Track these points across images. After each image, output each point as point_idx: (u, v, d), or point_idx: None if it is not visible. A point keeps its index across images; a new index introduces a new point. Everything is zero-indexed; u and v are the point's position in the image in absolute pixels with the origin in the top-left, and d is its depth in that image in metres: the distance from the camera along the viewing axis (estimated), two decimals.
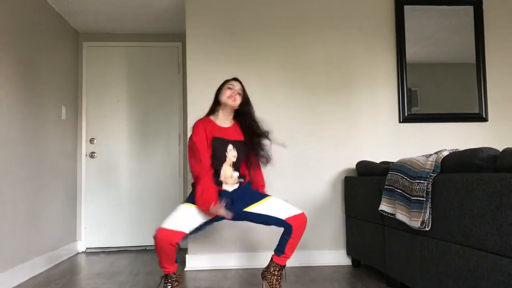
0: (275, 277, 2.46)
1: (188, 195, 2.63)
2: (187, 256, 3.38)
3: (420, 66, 3.59)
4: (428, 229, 2.10)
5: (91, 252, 4.31)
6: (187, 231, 2.35)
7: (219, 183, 2.48)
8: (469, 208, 1.80)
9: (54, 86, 3.77)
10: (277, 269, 2.48)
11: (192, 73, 3.47)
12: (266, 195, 2.57)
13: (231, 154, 2.52)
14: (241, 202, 2.49)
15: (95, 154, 4.44)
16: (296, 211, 2.48)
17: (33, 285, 2.93)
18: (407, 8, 3.59)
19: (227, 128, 2.58)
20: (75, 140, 4.35)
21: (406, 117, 3.55)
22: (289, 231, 2.43)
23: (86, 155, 4.44)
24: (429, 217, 2.09)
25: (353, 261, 3.36)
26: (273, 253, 2.52)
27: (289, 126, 3.50)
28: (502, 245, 1.61)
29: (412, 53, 3.58)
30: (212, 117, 2.59)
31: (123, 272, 3.31)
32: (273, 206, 2.49)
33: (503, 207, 1.60)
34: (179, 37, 4.56)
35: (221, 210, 2.34)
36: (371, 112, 3.56)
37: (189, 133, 3.44)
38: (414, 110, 3.57)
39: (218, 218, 2.47)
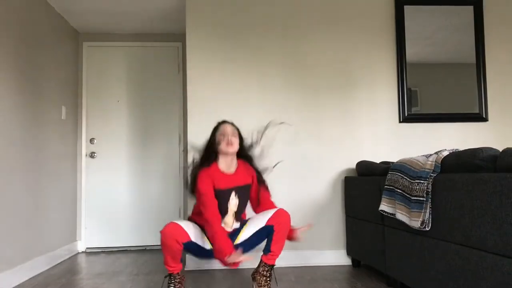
0: (264, 278, 2.42)
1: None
2: (187, 256, 3.38)
3: (420, 66, 3.59)
4: (428, 229, 2.10)
5: (91, 252, 4.31)
6: (192, 238, 2.37)
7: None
8: (469, 208, 1.81)
9: (54, 86, 3.77)
10: (266, 269, 2.44)
11: (192, 73, 3.47)
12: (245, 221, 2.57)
13: (233, 203, 2.51)
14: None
15: (95, 154, 4.44)
16: (273, 210, 2.48)
17: (33, 285, 2.93)
18: (407, 8, 3.59)
19: (230, 175, 2.53)
20: (75, 140, 4.36)
21: (406, 117, 3.55)
22: (272, 229, 2.42)
23: (86, 155, 4.44)
24: (429, 217, 2.09)
25: (353, 261, 3.36)
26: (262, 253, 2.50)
27: (289, 126, 3.50)
28: (502, 245, 1.61)
29: (412, 53, 3.58)
30: (216, 164, 2.52)
31: (123, 272, 3.31)
32: (253, 222, 2.51)
33: (503, 207, 1.60)
34: (179, 37, 4.56)
35: (239, 258, 2.27)
36: (371, 112, 3.56)
37: (189, 134, 3.45)
38: (414, 110, 3.57)
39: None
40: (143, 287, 2.82)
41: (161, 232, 2.31)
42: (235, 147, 2.51)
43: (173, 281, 2.41)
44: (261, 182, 2.64)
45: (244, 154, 2.61)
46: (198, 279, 3.03)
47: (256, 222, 2.49)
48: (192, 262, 3.36)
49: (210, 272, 3.25)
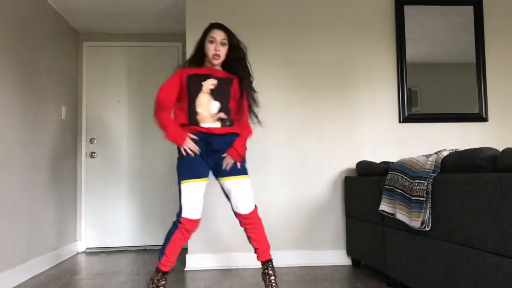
0: (268, 277, 2.41)
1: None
2: (187, 256, 3.38)
3: (420, 66, 3.59)
4: (428, 229, 2.10)
5: (91, 252, 4.31)
6: (201, 214, 2.39)
7: (194, 121, 2.37)
8: (469, 208, 1.81)
9: (54, 86, 3.77)
10: (265, 266, 2.43)
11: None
12: (243, 172, 2.44)
13: (210, 82, 2.39)
14: (217, 154, 2.40)
15: (95, 154, 4.44)
16: (246, 210, 2.41)
17: (33, 285, 2.93)
18: (407, 8, 3.59)
19: (212, 68, 2.46)
20: (75, 140, 4.36)
21: (406, 117, 3.55)
22: (243, 227, 2.45)
23: (86, 155, 4.44)
24: (429, 217, 2.09)
25: (353, 261, 3.36)
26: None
27: (289, 126, 3.50)
28: (502, 245, 1.61)
29: (412, 53, 3.58)
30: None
31: (123, 272, 3.31)
32: (237, 192, 2.40)
33: (503, 207, 1.60)
34: (179, 37, 4.56)
35: (190, 144, 2.31)
36: (371, 112, 3.56)
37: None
38: (414, 110, 3.57)
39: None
40: (143, 287, 2.82)
41: (178, 228, 2.33)
42: (223, 56, 2.44)
43: (164, 277, 2.39)
44: (246, 87, 2.47)
45: (232, 59, 2.48)
46: (198, 279, 3.03)
47: (237, 196, 2.39)
48: (192, 262, 3.36)
49: (210, 272, 3.25)
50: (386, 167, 2.79)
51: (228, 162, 2.40)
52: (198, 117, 2.38)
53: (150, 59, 4.59)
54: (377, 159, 3.47)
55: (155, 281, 2.39)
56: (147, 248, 4.43)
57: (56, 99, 3.83)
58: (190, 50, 3.47)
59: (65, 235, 3.98)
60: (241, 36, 3.55)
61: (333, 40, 3.57)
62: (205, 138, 2.39)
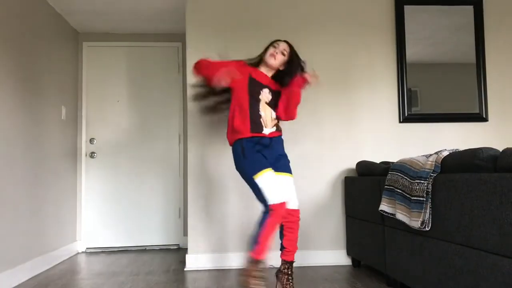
0: (286, 276, 2.49)
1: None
2: (187, 256, 3.38)
3: (420, 66, 3.59)
4: (428, 229, 2.10)
5: (91, 252, 4.31)
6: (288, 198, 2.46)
7: (257, 123, 2.49)
8: (469, 208, 1.80)
9: (54, 86, 3.77)
10: (286, 266, 2.52)
11: (192, 73, 3.47)
12: (291, 172, 2.62)
13: (265, 95, 2.56)
14: (273, 154, 2.54)
15: (95, 154, 4.44)
16: (295, 205, 2.56)
17: (33, 285, 2.93)
18: (407, 8, 3.59)
19: (265, 75, 2.61)
20: (75, 140, 4.36)
21: (406, 117, 3.55)
22: (283, 223, 2.53)
23: (86, 155, 4.44)
24: (429, 217, 2.09)
25: (353, 261, 3.36)
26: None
27: (289, 126, 3.50)
28: (502, 245, 1.61)
29: (412, 53, 3.58)
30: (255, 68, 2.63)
31: (123, 272, 3.31)
32: (291, 188, 2.57)
33: (503, 207, 1.60)
34: (179, 37, 4.56)
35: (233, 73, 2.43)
36: (371, 112, 3.56)
37: (189, 134, 3.45)
38: (414, 110, 3.57)
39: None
40: (143, 287, 2.82)
41: (271, 215, 2.33)
42: (277, 62, 2.56)
43: (261, 269, 2.31)
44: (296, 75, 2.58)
45: (285, 72, 2.59)
46: (198, 279, 3.03)
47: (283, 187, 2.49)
48: (192, 262, 3.36)
49: (210, 272, 3.25)
50: (386, 167, 2.79)
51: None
52: (262, 120, 2.51)
53: (150, 59, 4.59)
54: (377, 159, 3.47)
55: (250, 272, 2.28)
56: (147, 248, 4.43)
57: (56, 99, 3.83)
58: (190, 50, 3.48)
59: (65, 235, 3.98)
60: (241, 36, 3.57)
61: (333, 40, 3.57)
62: (265, 141, 2.51)
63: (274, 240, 2.55)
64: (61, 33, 4.02)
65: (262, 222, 2.36)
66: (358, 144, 3.53)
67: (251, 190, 2.46)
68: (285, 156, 2.64)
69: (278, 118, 2.63)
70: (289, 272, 2.51)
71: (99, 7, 3.90)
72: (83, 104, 4.46)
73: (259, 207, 3.38)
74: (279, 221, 2.41)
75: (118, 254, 4.20)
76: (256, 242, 2.33)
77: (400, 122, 3.57)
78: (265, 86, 2.56)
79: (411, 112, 3.56)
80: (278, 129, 2.63)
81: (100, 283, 2.96)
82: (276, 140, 2.58)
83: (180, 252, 4.21)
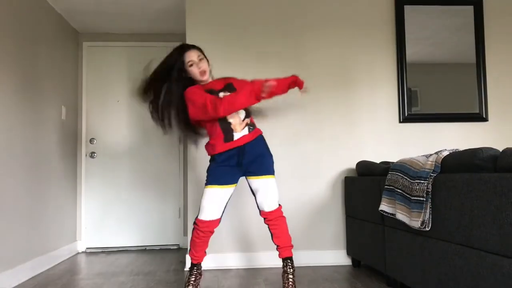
0: (286, 275, 2.48)
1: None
2: (187, 256, 3.38)
3: (420, 66, 3.59)
4: (428, 229, 2.10)
5: (91, 252, 4.31)
6: (220, 215, 2.47)
7: (228, 131, 2.43)
8: (469, 208, 1.80)
9: (54, 86, 3.77)
10: (284, 264, 2.52)
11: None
12: (270, 172, 2.53)
13: (223, 95, 2.47)
14: (249, 159, 2.47)
15: (95, 154, 4.44)
16: (269, 207, 2.50)
17: (33, 285, 2.93)
18: (407, 8, 3.59)
19: (215, 81, 2.57)
20: (75, 140, 4.35)
21: (406, 117, 3.55)
22: (267, 224, 2.54)
23: (86, 155, 4.44)
24: (429, 217, 2.09)
25: (353, 261, 3.36)
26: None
27: (289, 126, 3.50)
28: (502, 245, 1.61)
29: (412, 53, 3.58)
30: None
31: (123, 272, 3.31)
32: (264, 191, 2.50)
33: (503, 207, 1.60)
34: (179, 37, 4.55)
35: (271, 83, 2.29)
36: (371, 112, 3.56)
37: None
38: (414, 110, 3.57)
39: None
40: (143, 287, 2.82)
41: (194, 230, 2.46)
42: (207, 74, 2.52)
43: (194, 273, 2.51)
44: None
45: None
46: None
47: (264, 195, 2.49)
48: None
49: (210, 272, 3.25)
50: (386, 167, 2.78)
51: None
52: (232, 127, 2.45)
53: (150, 59, 4.58)
54: (377, 159, 3.47)
55: (189, 271, 2.55)
56: (147, 248, 4.43)
57: (56, 99, 3.83)
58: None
59: (65, 235, 3.98)
60: (241, 36, 3.57)
61: (333, 40, 3.57)
62: (239, 151, 2.46)
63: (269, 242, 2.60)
64: (61, 33, 4.02)
65: (192, 234, 2.54)
66: (358, 144, 3.53)
67: None
68: (265, 155, 2.53)
69: (248, 113, 2.52)
70: (289, 270, 2.49)
71: (99, 7, 3.90)
72: (83, 104, 4.46)
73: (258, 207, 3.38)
74: (198, 237, 2.46)
75: (118, 254, 4.20)
76: (189, 248, 2.56)
77: (400, 122, 3.57)
78: (220, 91, 2.50)
79: (411, 112, 3.56)
80: (252, 129, 2.51)
81: (100, 283, 2.96)
82: (251, 145, 2.47)
83: (180, 252, 4.21)
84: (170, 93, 2.51)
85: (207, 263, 3.36)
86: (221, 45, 3.49)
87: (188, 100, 2.46)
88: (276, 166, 3.45)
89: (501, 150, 1.82)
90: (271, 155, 2.58)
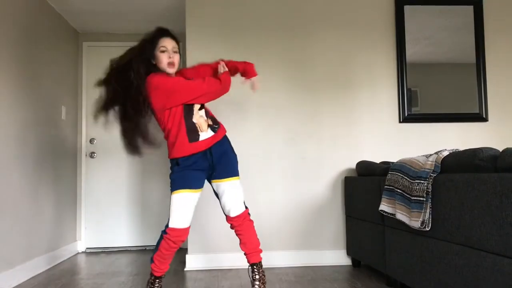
0: (253, 281, 2.36)
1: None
2: (187, 256, 3.38)
3: (420, 66, 3.59)
4: (428, 229, 2.10)
5: (91, 252, 4.31)
6: (190, 223, 2.31)
7: (193, 131, 2.32)
8: (469, 208, 1.80)
9: (54, 86, 3.77)
10: (251, 269, 2.40)
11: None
12: (235, 173, 2.41)
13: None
14: (215, 160, 2.36)
15: (95, 154, 4.44)
16: (235, 212, 2.38)
17: (33, 285, 2.93)
18: (407, 8, 3.59)
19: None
20: (75, 140, 4.35)
21: (406, 117, 3.55)
22: (233, 229, 2.43)
23: (86, 155, 4.44)
24: (429, 217, 2.09)
25: (353, 261, 3.36)
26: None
27: (290, 126, 3.50)
28: (502, 245, 1.61)
29: (412, 53, 3.58)
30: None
31: (123, 272, 3.31)
32: (230, 194, 2.37)
33: (503, 207, 1.60)
34: (179, 37, 4.53)
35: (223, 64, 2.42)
36: (371, 112, 3.56)
37: None
38: (414, 110, 3.57)
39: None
40: (143, 287, 2.82)
41: (163, 239, 2.27)
42: (176, 67, 2.36)
43: (157, 285, 2.39)
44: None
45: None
46: (198, 279, 3.03)
47: (229, 199, 2.37)
48: (192, 262, 3.36)
49: (210, 272, 3.25)
50: (386, 167, 2.78)
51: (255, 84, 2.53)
52: (197, 126, 2.34)
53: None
54: (377, 159, 3.47)
55: (150, 284, 2.41)
56: (147, 248, 4.43)
57: (56, 99, 3.83)
58: (190, 50, 3.48)
59: (65, 235, 3.98)
60: (241, 36, 3.57)
61: (333, 40, 3.57)
62: (205, 154, 2.36)
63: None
64: (61, 33, 4.02)
65: (158, 242, 2.33)
66: (358, 144, 3.53)
67: None
68: (229, 154, 2.41)
69: (207, 112, 2.41)
70: (257, 277, 2.34)
71: (99, 7, 3.90)
72: (83, 104, 4.46)
73: (258, 207, 3.39)
74: (168, 248, 2.27)
75: (118, 254, 4.20)
76: (152, 259, 2.35)
77: (400, 122, 3.57)
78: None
79: (411, 112, 3.56)
80: (216, 129, 2.39)
81: (100, 283, 2.96)
82: (216, 147, 2.36)
83: (180, 252, 4.20)
84: (139, 76, 2.36)
85: (207, 263, 3.36)
86: (221, 45, 3.49)
87: (167, 86, 2.28)
88: (276, 166, 3.47)
89: (501, 150, 1.82)
90: (235, 155, 2.45)
